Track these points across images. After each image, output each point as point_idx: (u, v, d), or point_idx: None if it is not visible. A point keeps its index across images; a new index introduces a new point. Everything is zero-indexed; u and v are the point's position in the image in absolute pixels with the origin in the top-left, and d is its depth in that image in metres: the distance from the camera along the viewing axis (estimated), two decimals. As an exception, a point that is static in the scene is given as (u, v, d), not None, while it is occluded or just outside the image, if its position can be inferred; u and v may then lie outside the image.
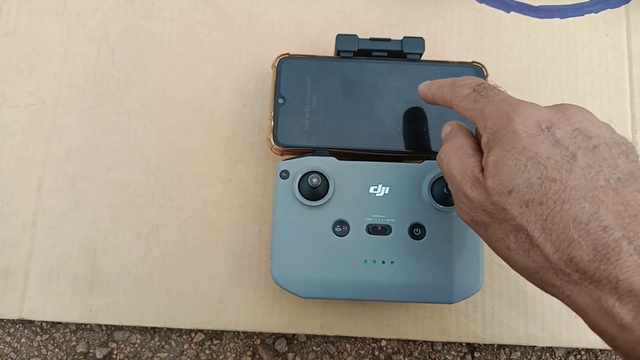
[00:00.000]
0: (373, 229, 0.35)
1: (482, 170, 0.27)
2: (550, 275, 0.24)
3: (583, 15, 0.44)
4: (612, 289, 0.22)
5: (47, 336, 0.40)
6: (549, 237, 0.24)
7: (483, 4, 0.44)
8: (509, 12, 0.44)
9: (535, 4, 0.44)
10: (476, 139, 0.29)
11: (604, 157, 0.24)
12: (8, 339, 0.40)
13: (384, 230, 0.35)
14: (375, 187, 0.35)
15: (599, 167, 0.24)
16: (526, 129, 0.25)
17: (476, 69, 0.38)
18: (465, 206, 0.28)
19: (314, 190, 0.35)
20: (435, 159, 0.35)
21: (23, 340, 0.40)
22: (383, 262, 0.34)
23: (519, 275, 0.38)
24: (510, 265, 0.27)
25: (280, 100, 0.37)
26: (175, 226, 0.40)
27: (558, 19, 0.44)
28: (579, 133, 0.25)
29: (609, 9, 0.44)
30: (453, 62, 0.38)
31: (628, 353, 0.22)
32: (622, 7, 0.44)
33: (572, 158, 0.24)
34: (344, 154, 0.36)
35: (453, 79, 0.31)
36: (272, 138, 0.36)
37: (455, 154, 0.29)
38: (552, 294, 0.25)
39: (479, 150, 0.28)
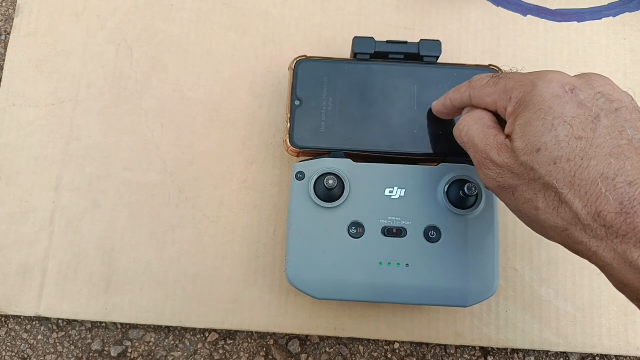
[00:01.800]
0: (388, 231, 0.35)
1: (507, 137, 0.28)
2: (578, 232, 0.25)
3: (600, 18, 0.44)
4: (637, 241, 0.23)
5: (63, 333, 0.41)
6: (577, 193, 0.25)
7: (500, 7, 0.44)
8: (525, 15, 0.44)
9: (552, 8, 0.44)
10: (494, 116, 0.30)
11: (626, 119, 0.25)
12: (25, 335, 0.41)
13: (399, 232, 0.35)
14: (391, 189, 0.36)
15: (621, 127, 0.25)
16: (551, 90, 0.26)
17: (492, 72, 0.38)
18: (492, 172, 0.28)
19: (330, 192, 0.35)
20: (450, 162, 0.36)
21: (39, 337, 0.41)
22: (398, 264, 0.34)
23: (533, 279, 0.37)
24: (537, 227, 0.28)
25: (297, 102, 0.37)
26: (190, 226, 0.40)
27: (575, 23, 0.44)
28: (601, 96, 0.26)
29: (627, 12, 0.44)
30: (469, 65, 0.38)
31: None
32: (640, 10, 0.44)
33: (595, 118, 0.25)
34: (359, 156, 0.36)
35: (466, 82, 0.32)
36: (288, 139, 0.37)
37: (475, 123, 0.30)
38: (578, 253, 0.26)
39: (498, 123, 0.30)
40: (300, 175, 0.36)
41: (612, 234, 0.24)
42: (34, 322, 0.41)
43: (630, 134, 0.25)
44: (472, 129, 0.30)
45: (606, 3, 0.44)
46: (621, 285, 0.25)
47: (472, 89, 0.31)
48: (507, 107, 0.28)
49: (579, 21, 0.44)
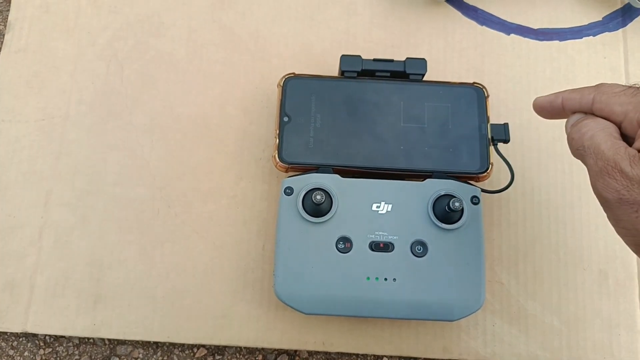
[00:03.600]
0: (376, 246, 0.35)
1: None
2: None
3: (581, 38, 0.45)
4: None
5: (50, 350, 0.40)
6: None
7: (484, 26, 0.45)
8: (509, 34, 0.45)
9: (535, 27, 0.45)
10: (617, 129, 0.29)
11: None
12: (11, 352, 0.40)
13: (387, 247, 0.35)
14: (378, 205, 0.36)
15: None
16: None
17: (477, 90, 0.39)
18: (618, 184, 0.26)
19: (318, 207, 0.35)
20: (436, 177, 0.36)
21: (26, 353, 0.40)
22: (385, 279, 0.35)
23: (519, 293, 0.38)
24: None
25: (286, 119, 0.38)
26: (180, 241, 0.40)
27: (557, 42, 0.45)
28: None
29: (607, 32, 0.45)
30: (454, 83, 0.39)
31: None
32: (620, 30, 0.45)
33: None
34: (347, 172, 0.37)
35: (586, 87, 0.31)
36: (277, 155, 0.37)
37: (602, 131, 0.28)
38: None
39: (621, 138, 0.29)
40: (289, 191, 0.36)
41: None
42: (20, 339, 0.41)
43: None
44: (599, 136, 0.28)
45: (587, 23, 0.45)
46: None
47: (601, 94, 0.29)
48: None
49: (560, 40, 0.45)
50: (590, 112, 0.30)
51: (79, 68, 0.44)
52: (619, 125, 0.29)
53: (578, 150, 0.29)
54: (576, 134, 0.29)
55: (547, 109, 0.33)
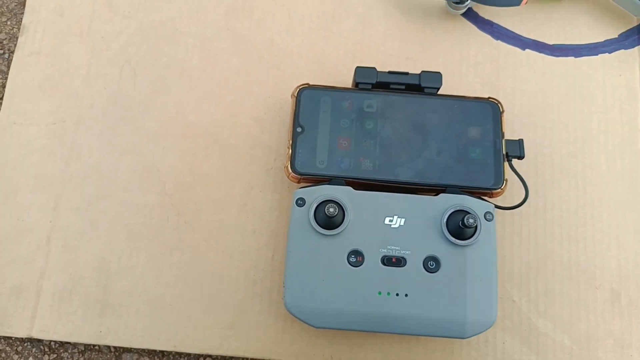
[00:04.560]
0: (388, 261, 0.35)
1: None
2: None
3: (597, 55, 0.45)
4: None
5: (55, 356, 0.40)
6: None
7: (499, 41, 0.45)
8: (524, 49, 0.45)
9: (550, 43, 0.45)
10: None
11: None
12: (15, 357, 0.40)
13: (399, 262, 0.35)
14: (391, 218, 0.36)
15: None
16: None
17: (492, 105, 0.39)
18: None
19: (330, 220, 0.35)
20: (450, 192, 0.36)
21: (30, 359, 0.40)
22: (397, 294, 0.34)
23: (530, 310, 0.38)
24: None
25: (299, 129, 0.38)
26: (189, 249, 0.40)
27: (572, 58, 0.45)
28: None
29: (623, 50, 0.45)
30: (469, 97, 0.39)
31: None
32: (636, 48, 0.45)
33: None
34: (360, 184, 0.37)
35: None
36: (289, 165, 0.37)
37: None
38: None
39: None
40: (300, 202, 0.36)
41: None
42: (25, 344, 0.40)
43: None
44: None
45: (602, 40, 0.45)
46: None
47: None
48: None
49: (576, 57, 0.45)
50: None
51: (92, 72, 0.44)
52: None
53: None
54: None
55: None
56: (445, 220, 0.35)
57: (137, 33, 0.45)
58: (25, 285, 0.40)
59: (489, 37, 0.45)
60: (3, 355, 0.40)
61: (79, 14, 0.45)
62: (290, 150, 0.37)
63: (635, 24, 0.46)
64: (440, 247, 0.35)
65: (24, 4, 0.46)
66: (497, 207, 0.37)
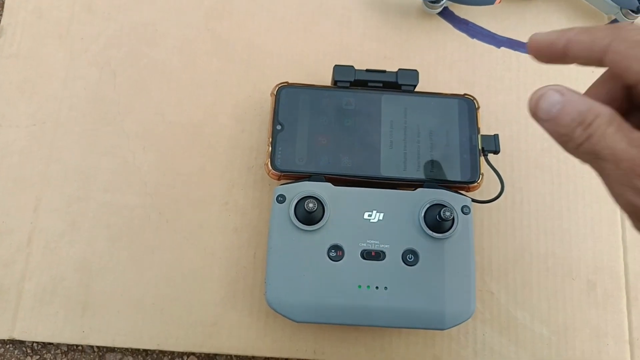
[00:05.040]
0: (367, 255, 0.35)
1: None
2: None
3: (570, 52, 0.46)
4: None
5: (38, 357, 0.40)
6: None
7: (475, 39, 0.46)
8: (499, 47, 0.46)
9: (525, 41, 0.46)
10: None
11: None
12: (-4, 360, 0.40)
13: (378, 255, 0.35)
14: (370, 213, 0.36)
15: None
16: None
17: (468, 101, 0.39)
18: None
19: (310, 215, 0.35)
20: (427, 187, 0.37)
21: (12, 361, 0.40)
22: (377, 287, 0.35)
23: (509, 302, 0.38)
24: None
25: (278, 127, 0.38)
26: (170, 249, 0.40)
27: (546, 55, 0.46)
28: None
29: (594, 47, 0.46)
30: (446, 94, 0.40)
31: None
32: (607, 45, 0.46)
33: None
34: (339, 180, 0.37)
35: (610, 25, 0.24)
36: (269, 163, 0.37)
37: (610, 125, 0.22)
38: None
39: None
40: (281, 199, 0.36)
41: None
42: (7, 346, 0.40)
43: None
44: (611, 135, 0.22)
45: (575, 37, 0.46)
46: None
47: (620, 42, 0.22)
48: None
49: (549, 54, 0.46)
50: (599, 63, 0.24)
51: (71, 74, 0.44)
52: (628, 88, 0.23)
53: (585, 155, 0.23)
54: (577, 134, 0.22)
55: (545, 51, 0.25)
56: (423, 214, 0.36)
57: (116, 35, 0.45)
58: (6, 286, 0.39)
59: (464, 35, 0.46)
60: (-16, 358, 0.40)
61: (58, 16, 0.45)
62: (270, 148, 0.38)
63: (606, 21, 0.47)
64: (419, 241, 0.36)
65: (2, 6, 0.46)
66: (474, 200, 0.37)
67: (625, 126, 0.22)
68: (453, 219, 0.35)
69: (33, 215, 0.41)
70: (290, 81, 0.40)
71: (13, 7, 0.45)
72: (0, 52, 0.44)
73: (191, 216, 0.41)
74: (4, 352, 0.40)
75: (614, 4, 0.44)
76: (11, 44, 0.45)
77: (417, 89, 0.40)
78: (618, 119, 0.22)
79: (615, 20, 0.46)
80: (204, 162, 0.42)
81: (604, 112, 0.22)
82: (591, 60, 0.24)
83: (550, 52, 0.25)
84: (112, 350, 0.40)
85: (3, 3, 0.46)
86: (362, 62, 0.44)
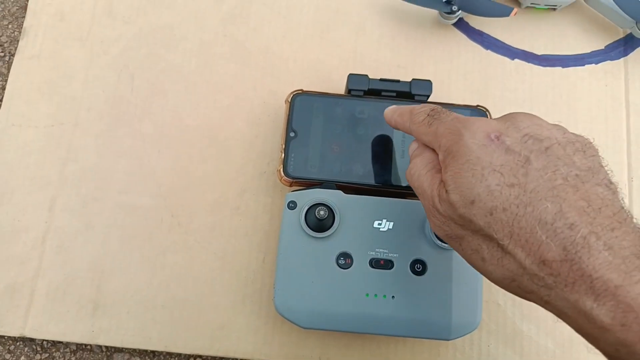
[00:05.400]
0: (376, 263, 0.36)
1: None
2: (526, 281, 0.24)
3: (584, 65, 0.46)
4: (588, 289, 0.21)
5: (47, 355, 0.40)
6: (518, 242, 0.23)
7: (489, 50, 0.46)
8: (513, 59, 0.46)
9: (539, 53, 0.46)
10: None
11: (558, 156, 0.24)
12: (7, 356, 0.40)
13: (387, 264, 0.36)
14: (380, 222, 0.37)
15: (554, 167, 0.24)
16: (476, 141, 0.26)
17: (480, 112, 0.40)
18: (438, 220, 0.27)
19: (320, 222, 0.36)
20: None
21: (22, 358, 0.40)
22: (384, 296, 0.35)
23: (515, 314, 0.38)
24: (487, 277, 0.26)
25: (292, 134, 0.39)
26: (182, 251, 0.41)
27: (560, 68, 0.46)
28: (529, 137, 0.25)
29: (609, 61, 0.46)
30: (458, 105, 0.40)
31: (611, 355, 0.22)
32: (621, 59, 0.46)
33: (526, 162, 0.24)
34: (350, 188, 0.38)
35: (411, 106, 0.32)
36: (282, 169, 0.38)
37: (424, 168, 0.29)
38: (532, 301, 0.25)
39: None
40: (292, 205, 0.37)
41: (560, 282, 0.22)
42: (18, 343, 0.41)
43: (564, 172, 0.24)
44: (422, 175, 0.29)
45: (589, 51, 0.46)
46: (581, 333, 0.23)
47: (412, 124, 0.30)
48: (438, 153, 0.28)
49: (563, 67, 0.46)
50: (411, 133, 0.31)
51: (90, 76, 0.45)
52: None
53: (415, 192, 0.30)
54: (408, 176, 0.30)
55: (391, 125, 0.34)
56: (432, 224, 0.36)
57: (135, 38, 0.46)
58: (19, 284, 0.40)
59: (479, 46, 0.46)
60: (-4, 353, 0.40)
61: (79, 19, 0.46)
62: (283, 155, 0.38)
63: (621, 35, 0.47)
64: (427, 251, 0.36)
65: (25, 8, 0.47)
66: (483, 212, 0.37)
67: (436, 169, 0.28)
68: (462, 230, 0.35)
69: (48, 214, 0.41)
70: (304, 88, 0.40)
71: (36, 10, 0.46)
72: (22, 53, 0.45)
73: (203, 219, 0.41)
74: (14, 349, 0.41)
75: (630, 18, 0.44)
76: (33, 45, 0.45)
77: (430, 99, 0.41)
78: (434, 163, 0.29)
79: (630, 34, 0.46)
80: (218, 166, 0.43)
81: (427, 154, 0.30)
82: (408, 131, 0.32)
83: (394, 127, 0.34)
84: (120, 350, 0.40)
85: (26, 6, 0.47)
86: (376, 70, 0.45)
